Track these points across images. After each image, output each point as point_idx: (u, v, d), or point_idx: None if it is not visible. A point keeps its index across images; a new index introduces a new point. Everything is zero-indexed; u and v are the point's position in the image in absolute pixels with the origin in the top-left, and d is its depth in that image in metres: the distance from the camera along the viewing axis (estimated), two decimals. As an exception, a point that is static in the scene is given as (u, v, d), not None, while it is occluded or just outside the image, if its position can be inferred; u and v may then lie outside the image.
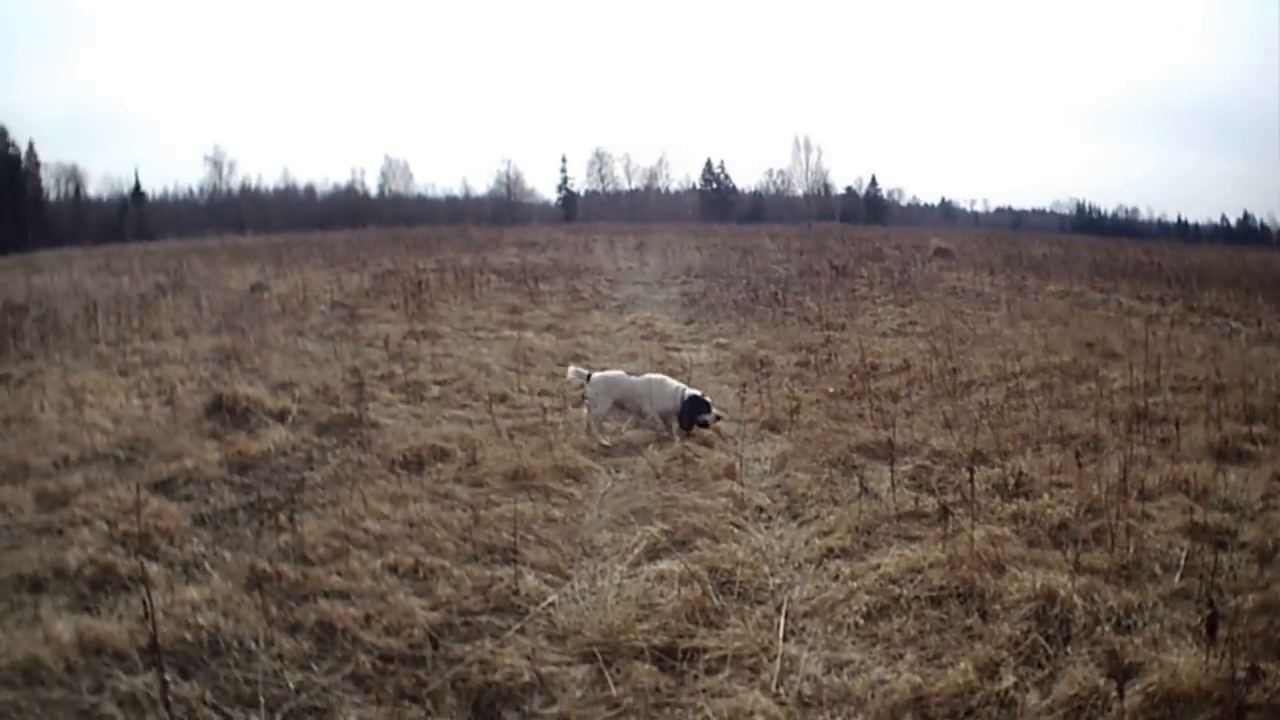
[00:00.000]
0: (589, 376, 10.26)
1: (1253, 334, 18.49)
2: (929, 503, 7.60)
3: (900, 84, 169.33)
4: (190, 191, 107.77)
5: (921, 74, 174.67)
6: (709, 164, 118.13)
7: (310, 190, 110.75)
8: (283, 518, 7.09)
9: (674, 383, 10.18)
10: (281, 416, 10.63)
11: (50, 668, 5.20)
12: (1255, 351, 15.56)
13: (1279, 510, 7.46)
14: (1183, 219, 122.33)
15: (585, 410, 10.24)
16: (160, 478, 8.66)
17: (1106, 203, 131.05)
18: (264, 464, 9.13)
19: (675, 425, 9.88)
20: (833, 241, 46.75)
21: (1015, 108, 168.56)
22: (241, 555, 6.72)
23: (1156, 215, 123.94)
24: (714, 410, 9.96)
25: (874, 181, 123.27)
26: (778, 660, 5.16)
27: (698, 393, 10.03)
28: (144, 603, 4.66)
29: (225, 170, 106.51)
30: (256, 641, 5.44)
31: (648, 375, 10.47)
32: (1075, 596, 5.60)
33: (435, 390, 12.04)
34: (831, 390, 12.22)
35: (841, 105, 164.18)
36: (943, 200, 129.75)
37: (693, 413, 9.77)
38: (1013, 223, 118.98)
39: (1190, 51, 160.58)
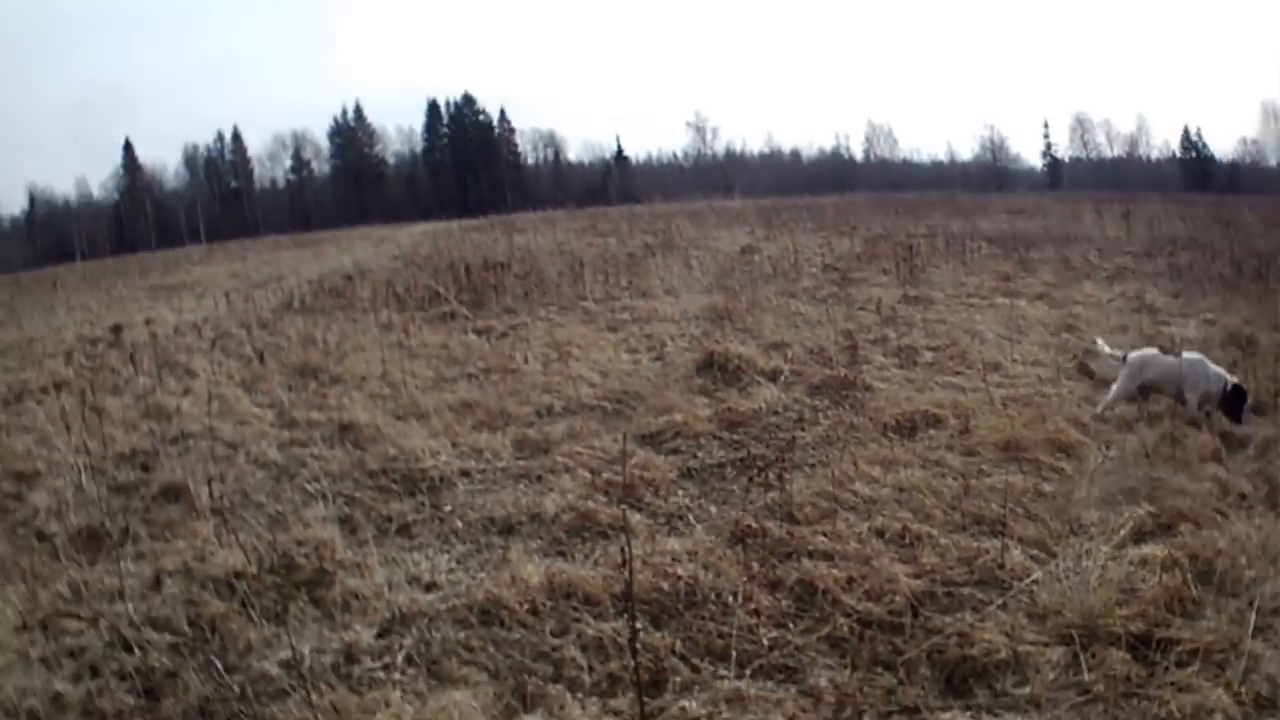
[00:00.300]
0: (1124, 357, 9.76)
1: None
2: None
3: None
4: (674, 156, 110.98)
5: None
6: (1185, 132, 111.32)
7: (795, 155, 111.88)
8: (771, 476, 7.20)
9: (1215, 366, 9.40)
10: (773, 376, 10.88)
11: (513, 609, 5.64)
12: None
13: None
14: None
15: (1110, 390, 9.74)
16: (647, 431, 9.17)
17: None
18: (754, 422, 9.42)
19: (1209, 411, 9.25)
20: None
21: None
22: (727, 510, 7.03)
23: None
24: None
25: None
26: (1244, 658, 4.94)
27: (1238, 381, 9.30)
28: (622, 550, 4.81)
29: (709, 135, 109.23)
30: (734, 596, 5.65)
31: (1186, 355, 9.66)
32: None
33: (928, 356, 12.02)
34: None
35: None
36: None
37: (1237, 402, 9.08)
38: None
39: None
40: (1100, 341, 10.39)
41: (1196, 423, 9.09)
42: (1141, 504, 6.99)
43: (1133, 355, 9.72)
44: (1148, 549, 6.21)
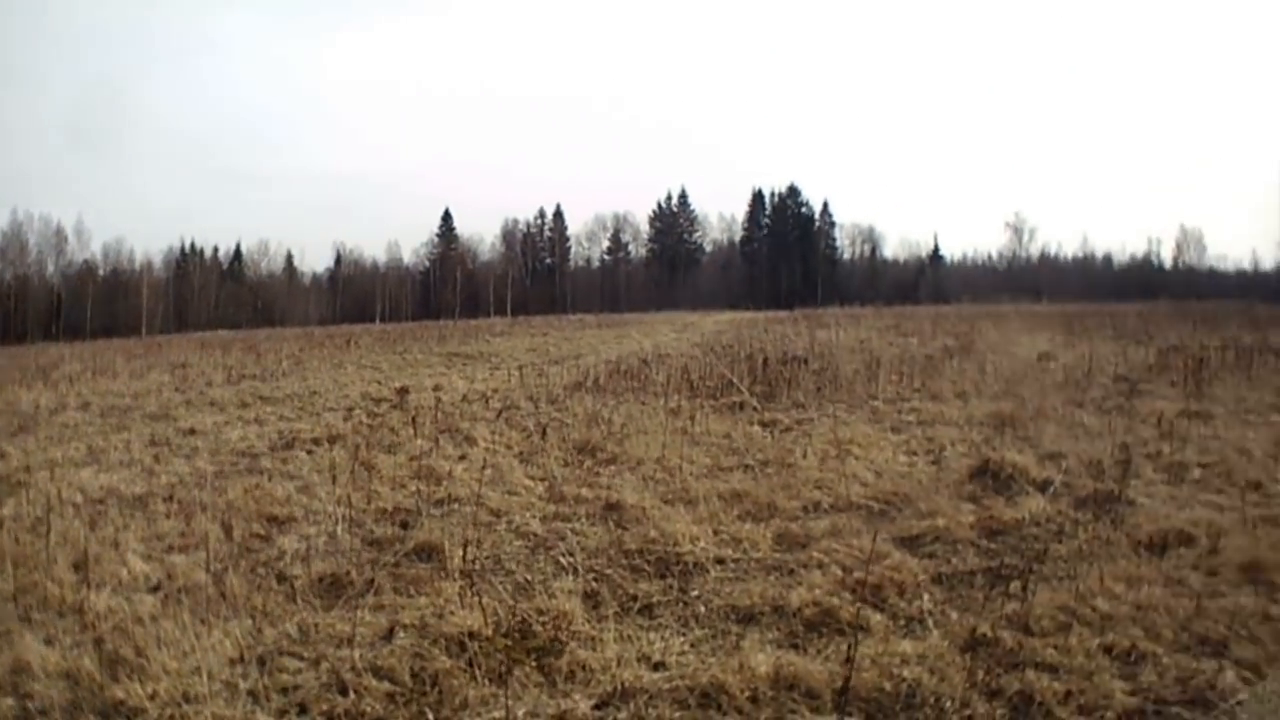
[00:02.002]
0: None
1: None
2: None
3: None
4: (988, 257, 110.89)
5: None
6: None
7: (1107, 259, 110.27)
8: (1016, 585, 7.29)
9: None
10: (1044, 486, 10.80)
11: (734, 694, 5.83)
12: None
13: None
14: None
15: None
16: (908, 534, 9.25)
17: None
18: (1015, 531, 9.38)
19: None
20: None
21: None
22: (967, 617, 7.07)
23: None
24: None
25: None
26: None
27: None
28: (849, 646, 5.06)
29: (1025, 237, 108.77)
30: (952, 701, 5.76)
31: None
32: None
33: (1196, 473, 11.65)
34: None
35: None
36: None
37: None
38: None
39: None
40: None
41: None
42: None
43: None
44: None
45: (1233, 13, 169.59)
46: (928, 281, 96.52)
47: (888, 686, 5.90)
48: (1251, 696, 5.90)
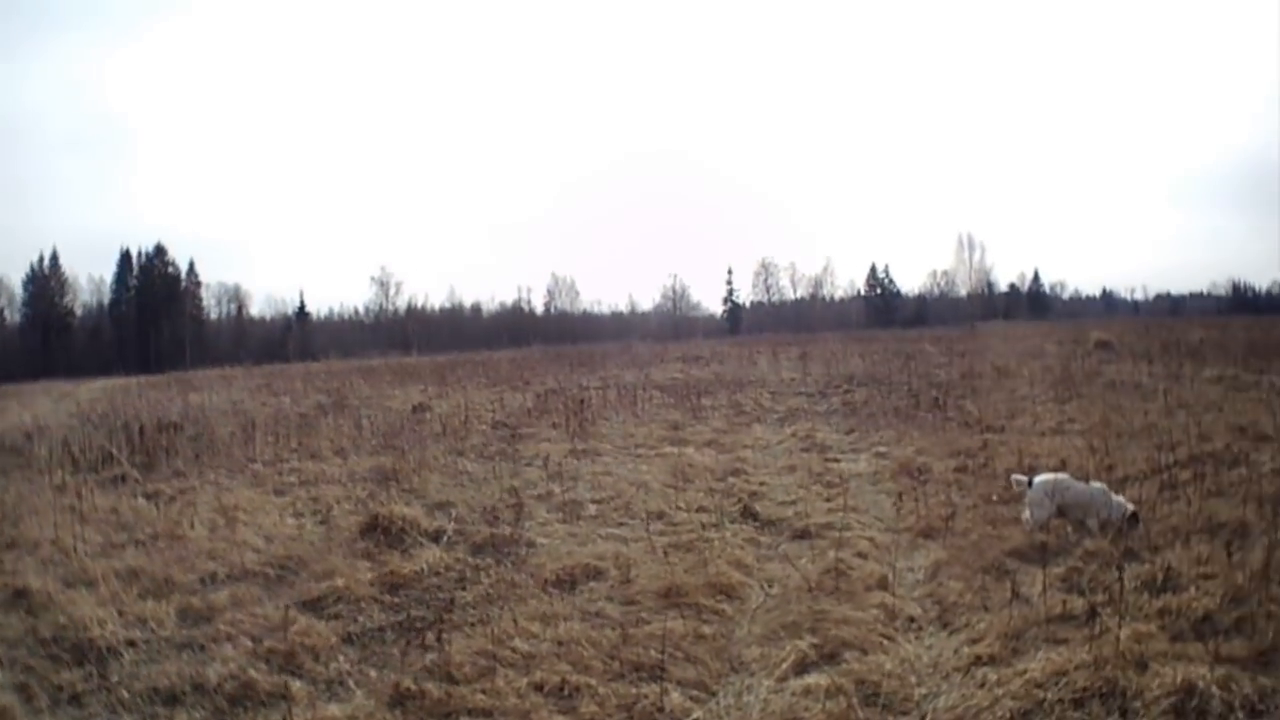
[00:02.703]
0: (1030, 481, 10.20)
1: None
2: (1078, 604, 7.53)
3: (1059, 172, 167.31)
4: (355, 311, 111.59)
5: (1078, 161, 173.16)
6: (873, 269, 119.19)
7: (477, 309, 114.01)
8: (430, 636, 7.31)
9: (1117, 496, 9.92)
10: (436, 536, 10.82)
11: None
12: None
13: None
14: None
15: (1026, 513, 10.14)
16: (310, 596, 8.96)
17: (1261, 280, 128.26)
18: (416, 583, 9.34)
19: (1106, 532, 9.59)
20: (995, 341, 46.55)
21: (1170, 189, 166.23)
22: (387, 674, 6.95)
23: None
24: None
25: (1036, 277, 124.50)
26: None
27: (1135, 508, 9.78)
28: (282, 717, 4.87)
29: (391, 290, 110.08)
30: None
31: (1093, 484, 10.19)
32: (1214, 687, 5.64)
33: (592, 509, 12.04)
34: (989, 495, 11.92)
35: (1004, 200, 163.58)
36: (1104, 291, 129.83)
37: (1133, 527, 9.47)
38: (1171, 309, 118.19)
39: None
40: (1015, 475, 10.91)
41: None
42: (804, 636, 7.24)
43: (1039, 479, 10.20)
44: (811, 679, 6.44)
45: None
46: (295, 338, 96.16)
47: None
48: (706, 714, 6.06)
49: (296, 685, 6.75)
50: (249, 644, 7.60)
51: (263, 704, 6.54)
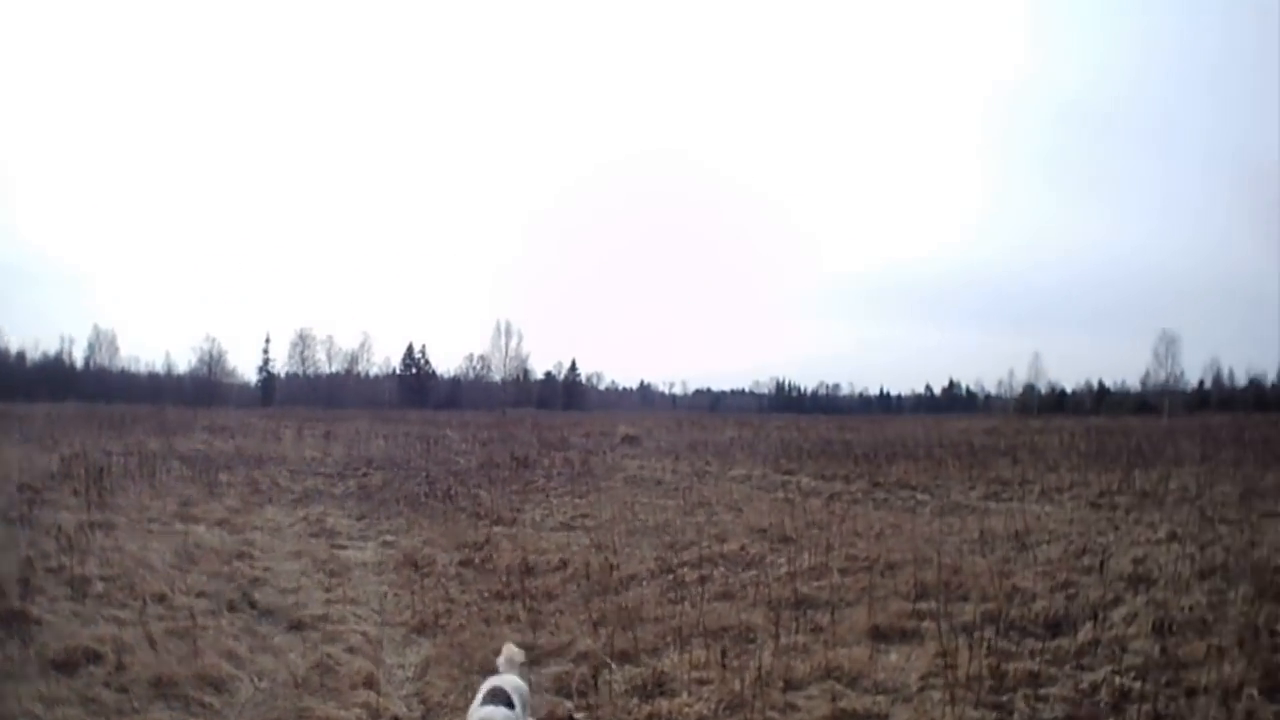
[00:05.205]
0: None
1: (939, 505, 19.83)
2: (565, 707, 8.10)
3: (599, 268, 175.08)
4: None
5: (619, 258, 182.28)
6: (409, 349, 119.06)
7: (21, 356, 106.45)
8: None
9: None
10: None
11: None
12: (937, 524, 16.74)
13: (936, 689, 8.08)
14: (885, 391, 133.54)
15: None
16: None
17: (807, 380, 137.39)
18: None
19: None
20: (523, 430, 47.67)
21: (715, 290, 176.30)
22: None
23: (859, 389, 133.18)
24: None
25: (574, 366, 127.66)
26: None
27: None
28: None
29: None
30: None
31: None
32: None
33: (100, 586, 11.75)
34: (487, 591, 12.43)
35: (543, 291, 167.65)
36: (642, 383, 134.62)
37: None
38: (711, 404, 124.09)
39: (894, 230, 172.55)
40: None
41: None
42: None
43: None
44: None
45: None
46: None
47: None
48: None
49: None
50: None
51: None
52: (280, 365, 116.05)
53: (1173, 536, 14.90)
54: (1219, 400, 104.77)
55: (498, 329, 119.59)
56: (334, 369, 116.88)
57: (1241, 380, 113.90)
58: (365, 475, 26.52)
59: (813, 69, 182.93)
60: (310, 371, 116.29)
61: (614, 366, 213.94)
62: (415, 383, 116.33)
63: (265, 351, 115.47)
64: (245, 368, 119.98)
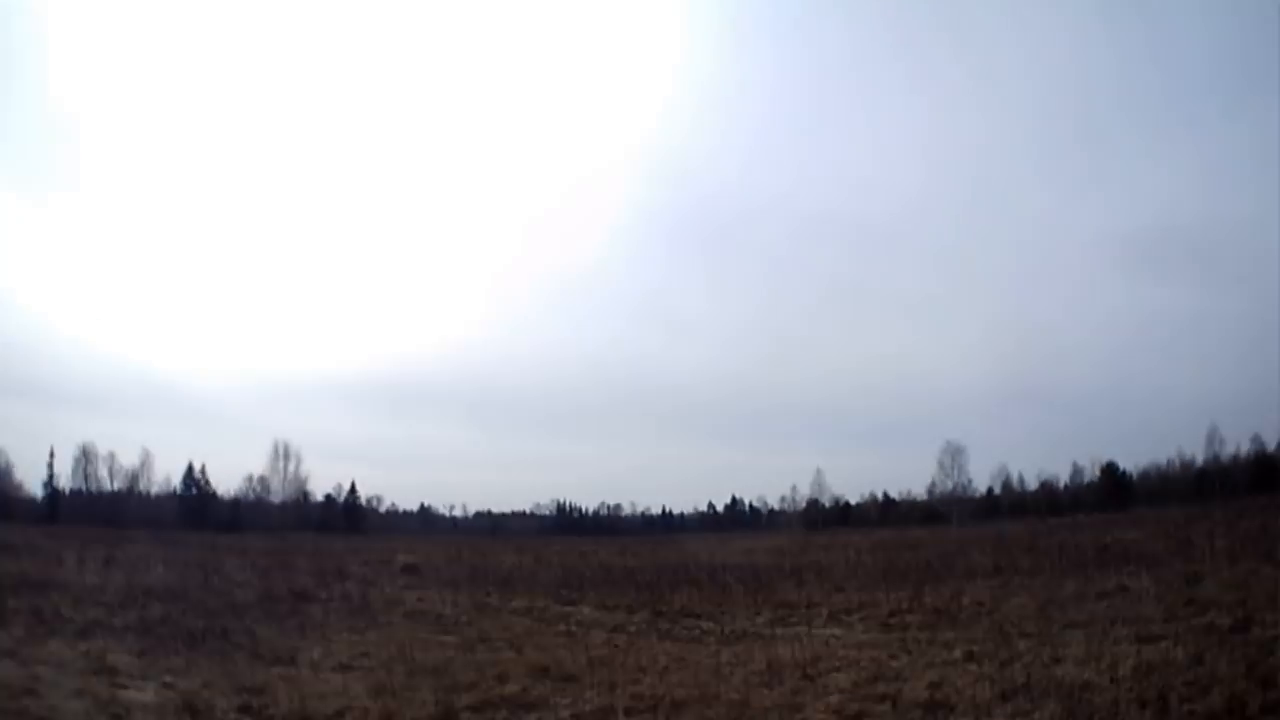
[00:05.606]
0: None
1: (724, 633, 20.06)
2: None
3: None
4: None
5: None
6: (190, 468, 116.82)
7: None
8: None
9: None
10: None
11: None
12: (724, 654, 16.78)
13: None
14: (667, 510, 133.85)
15: None
16: None
17: (589, 500, 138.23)
18: None
19: None
20: (302, 557, 46.12)
21: (492, 415, 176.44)
22: None
23: (641, 508, 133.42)
24: None
25: (353, 489, 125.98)
26: None
27: None
28: None
29: None
30: None
31: None
32: None
33: None
34: None
35: (321, 413, 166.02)
36: (422, 506, 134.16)
37: None
38: (492, 526, 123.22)
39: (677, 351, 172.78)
40: None
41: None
42: None
43: None
44: None
45: None
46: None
47: None
48: None
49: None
50: None
51: None
52: (64, 481, 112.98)
53: (970, 656, 15.09)
54: (1010, 505, 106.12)
55: (275, 451, 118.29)
56: (116, 486, 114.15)
57: (1032, 484, 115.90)
58: (144, 608, 24.10)
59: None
60: (94, 488, 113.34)
61: (394, 488, 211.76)
62: (196, 503, 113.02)
63: (50, 465, 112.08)
64: (31, 481, 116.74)
